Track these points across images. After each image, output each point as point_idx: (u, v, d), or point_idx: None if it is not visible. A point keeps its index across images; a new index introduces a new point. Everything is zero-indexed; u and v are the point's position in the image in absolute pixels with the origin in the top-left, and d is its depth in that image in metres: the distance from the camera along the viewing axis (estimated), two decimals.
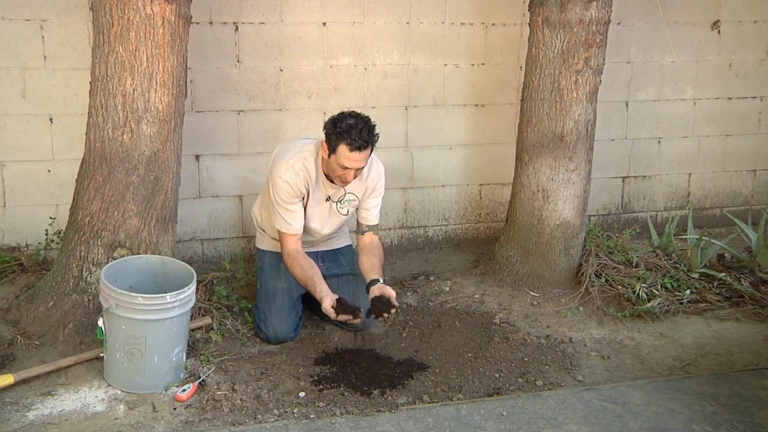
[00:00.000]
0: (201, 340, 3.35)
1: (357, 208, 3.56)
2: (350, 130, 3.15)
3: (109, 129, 3.27)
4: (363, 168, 3.29)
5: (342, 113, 3.24)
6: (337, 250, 3.71)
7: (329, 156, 3.24)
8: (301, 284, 3.38)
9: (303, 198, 3.38)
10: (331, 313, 3.20)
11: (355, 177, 3.30)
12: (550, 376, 3.24)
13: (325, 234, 3.58)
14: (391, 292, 3.31)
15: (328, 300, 3.22)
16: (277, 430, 2.77)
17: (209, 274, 3.82)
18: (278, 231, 3.41)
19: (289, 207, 3.34)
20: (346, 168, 3.21)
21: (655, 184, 5.05)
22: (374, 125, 3.24)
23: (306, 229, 3.49)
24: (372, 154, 3.34)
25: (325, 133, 3.25)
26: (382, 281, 3.37)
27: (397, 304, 3.30)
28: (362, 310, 3.23)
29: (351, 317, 3.20)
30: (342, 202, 3.48)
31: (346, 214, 3.54)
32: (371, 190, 3.50)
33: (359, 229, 3.59)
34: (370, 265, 3.45)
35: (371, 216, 3.56)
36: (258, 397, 3.00)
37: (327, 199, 3.45)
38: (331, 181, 3.37)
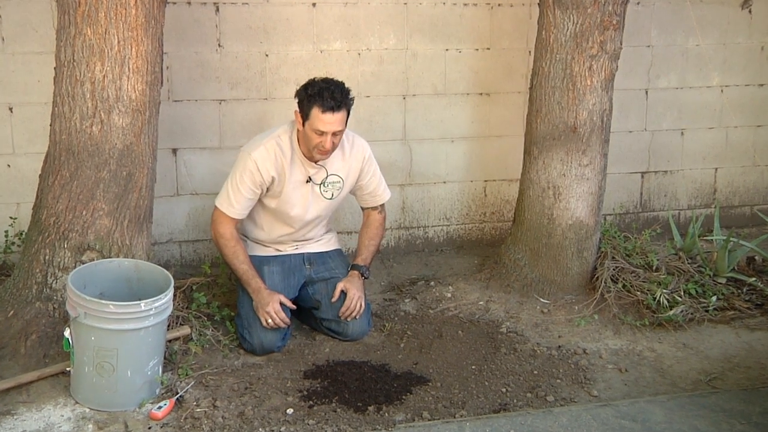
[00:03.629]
0: (179, 351, 3.35)
1: (353, 193, 3.68)
2: (322, 92, 3.30)
3: (77, 120, 3.27)
4: (341, 133, 3.38)
5: (313, 78, 3.39)
6: (326, 253, 3.74)
7: (303, 125, 3.36)
8: (227, 264, 3.52)
9: (265, 186, 3.45)
10: (264, 314, 3.38)
11: (334, 146, 3.38)
12: (562, 391, 3.24)
13: (308, 220, 3.61)
14: (349, 289, 3.54)
15: (275, 299, 3.41)
16: None
17: (188, 279, 3.83)
18: (215, 206, 3.51)
19: (243, 190, 3.43)
20: (323, 133, 3.31)
21: (677, 179, 5.06)
22: (349, 89, 3.38)
23: (287, 218, 3.57)
24: (353, 138, 3.55)
25: (298, 102, 3.38)
26: (358, 269, 3.64)
27: (354, 303, 3.52)
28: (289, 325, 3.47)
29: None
30: (325, 184, 3.54)
31: (330, 198, 3.58)
32: (358, 170, 3.59)
33: (362, 208, 3.81)
34: (359, 245, 3.76)
35: (373, 199, 3.73)
36: (242, 414, 3.00)
37: (308, 181, 3.51)
38: (311, 161, 3.44)
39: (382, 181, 3.73)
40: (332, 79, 3.39)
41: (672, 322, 3.74)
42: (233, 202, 3.44)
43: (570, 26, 3.76)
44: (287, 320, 3.42)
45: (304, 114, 3.34)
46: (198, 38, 4.09)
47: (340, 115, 3.32)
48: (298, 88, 3.41)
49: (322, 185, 3.54)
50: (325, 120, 3.29)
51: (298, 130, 3.43)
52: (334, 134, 3.34)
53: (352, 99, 3.40)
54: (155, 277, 3.18)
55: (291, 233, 3.63)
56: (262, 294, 3.42)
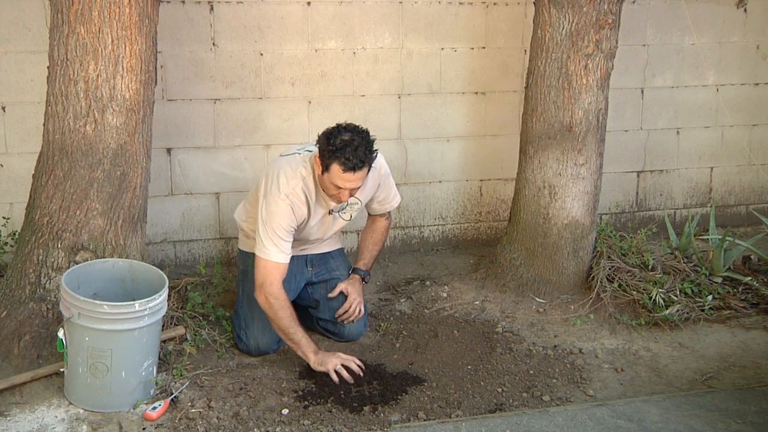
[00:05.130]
0: (173, 352, 3.35)
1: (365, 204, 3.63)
2: (344, 148, 3.12)
3: (70, 119, 3.26)
4: (359, 187, 3.28)
5: (338, 126, 3.22)
6: (327, 254, 3.73)
7: (322, 173, 3.23)
8: (280, 330, 3.31)
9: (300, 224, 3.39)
10: (334, 376, 3.19)
11: (351, 196, 3.31)
12: (558, 391, 3.25)
13: (326, 238, 3.64)
14: (351, 293, 3.56)
15: (333, 362, 3.21)
16: None
17: (182, 279, 3.82)
18: (261, 258, 3.27)
19: (285, 237, 3.27)
20: (340, 188, 3.21)
21: (673, 179, 5.07)
22: (373, 140, 3.22)
23: (305, 241, 3.53)
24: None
25: (318, 149, 3.22)
26: (360, 273, 3.66)
27: (354, 308, 3.55)
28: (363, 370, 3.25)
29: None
30: (344, 209, 3.51)
31: (349, 219, 3.58)
32: (375, 188, 3.53)
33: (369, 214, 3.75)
34: (362, 248, 3.74)
35: (382, 207, 3.65)
36: (236, 414, 3.00)
37: (330, 213, 3.48)
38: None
39: (393, 187, 3.63)
40: (357, 129, 3.21)
41: (668, 322, 3.75)
42: (284, 249, 3.26)
43: (566, 25, 3.76)
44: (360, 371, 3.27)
45: (324, 165, 3.18)
46: (192, 37, 4.08)
47: (361, 174, 3.17)
48: (319, 134, 3.23)
49: (341, 211, 3.50)
50: (345, 178, 3.15)
51: (317, 173, 3.30)
52: (352, 189, 3.24)
53: (376, 152, 3.24)
54: (149, 277, 3.17)
55: (304, 247, 3.61)
56: (322, 353, 3.27)
